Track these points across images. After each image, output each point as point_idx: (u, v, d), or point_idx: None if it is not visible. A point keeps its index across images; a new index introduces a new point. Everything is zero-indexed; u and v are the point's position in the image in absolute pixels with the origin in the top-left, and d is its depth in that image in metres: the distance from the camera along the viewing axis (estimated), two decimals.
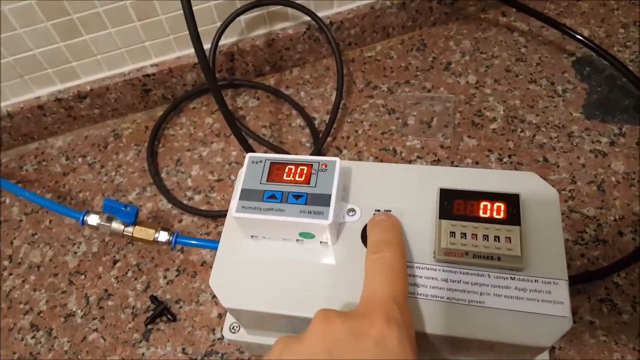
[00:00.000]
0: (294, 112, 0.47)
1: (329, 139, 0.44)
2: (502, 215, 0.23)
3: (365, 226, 0.24)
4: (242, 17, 0.45)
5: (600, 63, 0.44)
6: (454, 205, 0.24)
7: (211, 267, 0.38)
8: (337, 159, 0.25)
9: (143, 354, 0.35)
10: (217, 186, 0.43)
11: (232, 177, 0.43)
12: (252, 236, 0.26)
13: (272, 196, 0.24)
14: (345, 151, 0.43)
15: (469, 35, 0.48)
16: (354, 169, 0.27)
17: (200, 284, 0.37)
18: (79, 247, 0.41)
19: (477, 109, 0.43)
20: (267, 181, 0.25)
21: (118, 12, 0.41)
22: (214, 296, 0.37)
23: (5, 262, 0.41)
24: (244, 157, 0.26)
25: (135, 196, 0.43)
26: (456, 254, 0.23)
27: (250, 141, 0.41)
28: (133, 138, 0.47)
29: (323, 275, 0.24)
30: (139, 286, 0.38)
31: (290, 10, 0.46)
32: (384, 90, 0.46)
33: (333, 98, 0.46)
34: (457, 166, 0.40)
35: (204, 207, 0.41)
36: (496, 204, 0.23)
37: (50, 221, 0.43)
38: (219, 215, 0.40)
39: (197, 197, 0.42)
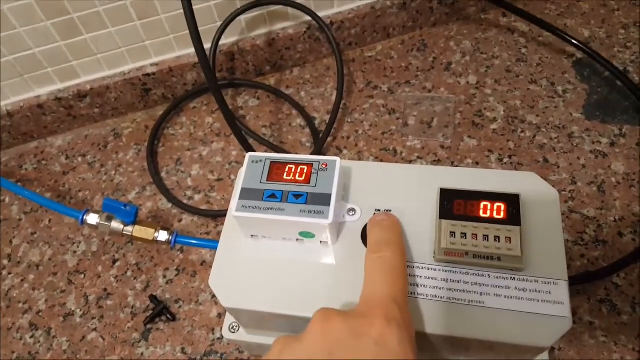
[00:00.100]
0: (295, 111, 0.47)
1: (329, 139, 0.44)
2: (502, 215, 0.23)
3: (366, 226, 0.24)
4: (242, 17, 0.45)
5: (599, 64, 0.44)
6: (454, 205, 0.24)
7: (211, 267, 0.38)
8: (337, 158, 0.25)
9: (142, 354, 0.35)
10: (217, 186, 0.43)
11: (232, 176, 0.43)
12: (252, 236, 0.26)
13: (272, 195, 0.24)
14: (345, 151, 0.43)
15: (470, 36, 0.48)
16: (354, 168, 0.27)
17: (200, 283, 0.37)
18: (78, 247, 0.41)
19: (478, 110, 0.43)
20: (267, 180, 0.25)
21: (118, 11, 0.41)
22: (214, 296, 0.36)
23: (5, 261, 0.41)
24: (244, 156, 0.26)
25: (135, 195, 0.43)
26: (456, 254, 0.22)
27: (251, 141, 0.41)
28: (133, 137, 0.47)
29: (323, 274, 0.24)
30: (138, 286, 0.38)
31: (290, 10, 0.46)
32: (384, 91, 0.46)
33: (333, 98, 0.46)
34: (457, 166, 0.40)
35: (204, 207, 0.41)
36: (496, 204, 0.23)
37: (49, 220, 0.43)
38: (219, 215, 0.40)
39: (197, 197, 0.42)
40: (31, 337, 0.37)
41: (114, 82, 0.46)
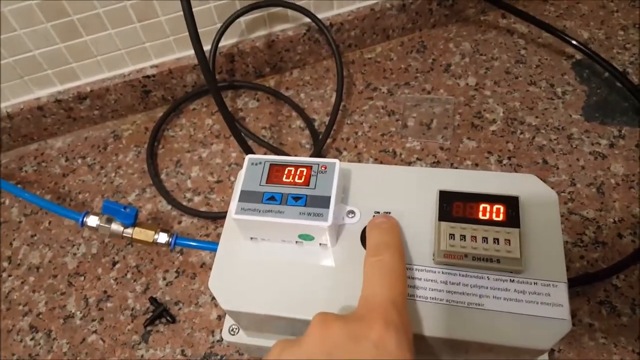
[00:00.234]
0: (294, 113, 0.47)
1: (328, 140, 0.44)
2: (501, 217, 0.23)
3: (365, 228, 0.24)
4: (242, 19, 0.45)
5: (599, 65, 0.44)
6: (454, 207, 0.24)
7: (211, 269, 0.38)
8: (336, 160, 0.25)
9: (142, 356, 0.35)
10: (217, 187, 0.43)
11: (232, 178, 0.43)
12: (251, 238, 0.26)
13: (272, 198, 0.24)
14: (345, 153, 0.43)
15: (469, 37, 0.49)
16: (354, 170, 0.27)
17: (200, 285, 0.37)
18: (78, 249, 0.41)
19: (477, 111, 0.43)
20: (266, 183, 0.25)
21: (118, 13, 0.41)
22: (213, 298, 0.36)
23: (5, 264, 0.41)
24: (244, 158, 0.26)
25: (134, 197, 0.43)
26: (455, 256, 0.22)
27: (250, 142, 0.41)
28: (133, 139, 0.47)
29: (322, 277, 0.24)
30: (138, 288, 0.38)
31: (290, 11, 0.46)
32: (383, 92, 0.46)
33: (333, 99, 0.46)
34: (456, 168, 0.40)
35: (203, 209, 0.41)
36: (495, 206, 0.23)
37: (49, 222, 0.43)
38: (219, 217, 0.40)
39: (196, 199, 0.42)
40: (31, 339, 0.37)
41: (114, 84, 0.46)
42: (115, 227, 0.35)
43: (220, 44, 0.45)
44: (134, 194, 0.43)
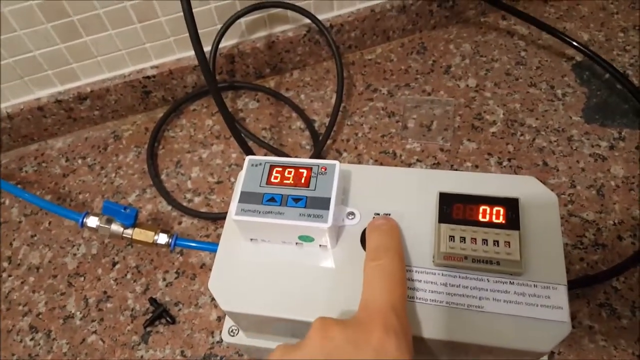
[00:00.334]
0: (294, 114, 0.47)
1: (329, 141, 0.44)
2: (501, 219, 0.23)
3: (365, 230, 0.24)
4: (242, 20, 0.45)
5: (600, 67, 0.44)
6: (454, 209, 0.24)
7: (210, 270, 0.38)
8: (336, 162, 0.25)
9: (142, 357, 0.35)
10: (217, 188, 0.43)
11: (232, 179, 0.43)
12: (251, 239, 0.26)
13: (272, 199, 0.24)
14: (345, 154, 0.43)
15: (469, 39, 0.49)
16: (354, 172, 0.27)
17: (200, 286, 0.37)
18: (78, 249, 0.41)
19: (477, 113, 0.43)
20: (266, 184, 0.25)
21: (118, 13, 0.41)
22: (213, 299, 0.36)
23: (5, 264, 0.41)
24: (244, 159, 0.26)
25: (135, 198, 0.43)
26: (455, 258, 0.22)
27: (250, 143, 0.41)
28: (133, 140, 0.47)
29: (322, 278, 0.24)
30: (138, 288, 0.38)
31: (290, 12, 0.46)
32: (384, 93, 0.46)
33: (333, 101, 0.46)
34: (456, 169, 0.40)
35: (203, 209, 0.41)
36: (495, 208, 0.23)
37: (49, 223, 0.43)
38: (219, 218, 0.40)
39: (196, 199, 0.42)
40: (31, 339, 0.37)
41: (114, 85, 0.46)
42: (115, 227, 0.35)
43: (221, 45, 0.45)
44: (134, 195, 0.43)
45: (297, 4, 0.44)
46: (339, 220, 0.25)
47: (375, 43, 0.50)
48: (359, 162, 0.42)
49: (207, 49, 0.36)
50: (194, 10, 0.33)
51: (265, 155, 0.43)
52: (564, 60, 0.45)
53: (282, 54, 0.48)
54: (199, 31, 0.34)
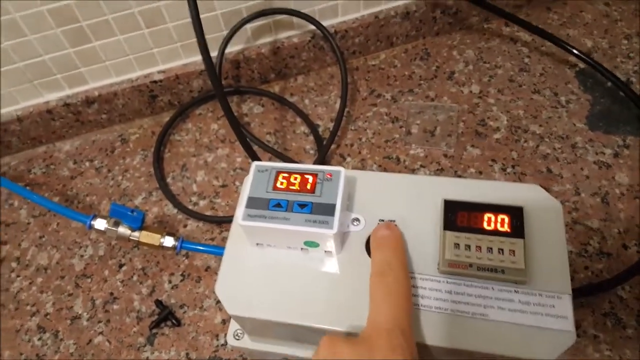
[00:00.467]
0: (298, 119, 0.47)
1: (332, 146, 0.44)
2: (506, 227, 0.23)
3: (370, 237, 0.24)
4: (248, 26, 0.46)
5: (602, 75, 0.44)
6: (458, 216, 0.24)
7: (215, 273, 0.38)
8: (341, 168, 0.25)
9: (147, 358, 0.35)
10: (222, 192, 0.43)
11: (237, 183, 0.43)
12: (257, 244, 0.26)
13: (278, 205, 0.25)
14: (348, 159, 0.43)
15: (473, 45, 0.49)
16: (359, 178, 0.27)
17: (205, 289, 0.38)
18: (85, 251, 0.41)
19: (481, 119, 0.43)
20: (272, 190, 0.25)
21: (126, 19, 0.42)
22: (218, 302, 0.37)
23: (14, 264, 0.42)
24: (249, 163, 0.27)
25: (141, 200, 0.44)
26: (460, 266, 0.23)
27: (255, 147, 0.42)
28: (140, 143, 0.48)
29: (327, 284, 0.24)
30: (144, 290, 0.38)
31: (295, 19, 0.46)
32: (387, 99, 0.46)
33: (337, 106, 0.46)
34: (460, 175, 0.40)
35: (208, 213, 0.42)
36: (500, 216, 0.23)
37: (57, 224, 0.44)
38: (224, 221, 0.41)
39: (202, 203, 0.43)
40: (39, 339, 0.37)
41: (122, 89, 0.47)
42: (123, 230, 0.35)
43: (227, 50, 0.46)
44: (141, 197, 0.44)
45: (302, 10, 0.45)
46: (344, 227, 0.25)
47: (379, 49, 0.50)
48: (363, 167, 0.42)
49: (213, 54, 0.37)
50: (201, 16, 0.34)
51: (270, 159, 0.44)
52: (568, 67, 0.46)
53: (286, 59, 0.48)
54: (206, 37, 0.34)
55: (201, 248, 0.36)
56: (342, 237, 0.25)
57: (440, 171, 0.41)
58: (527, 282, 0.22)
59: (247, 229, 0.25)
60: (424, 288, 0.23)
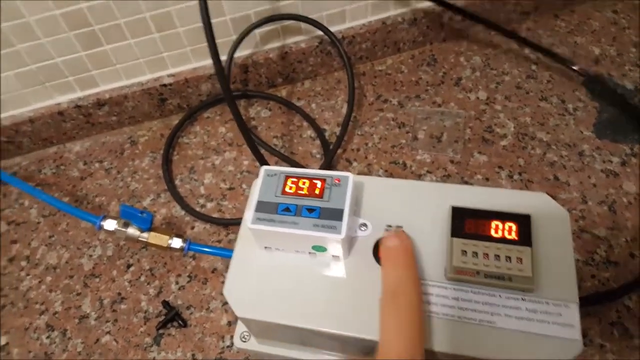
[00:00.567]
0: (305, 123, 0.48)
1: (339, 150, 0.44)
2: (513, 235, 0.23)
3: (378, 242, 0.25)
4: (256, 31, 0.46)
5: (612, 82, 0.44)
6: (466, 223, 0.24)
7: (222, 275, 0.38)
8: (349, 174, 0.25)
9: (154, 358, 0.35)
10: (229, 194, 0.44)
11: (244, 185, 0.44)
12: (265, 247, 0.26)
13: (287, 209, 0.25)
14: (355, 163, 0.44)
15: (479, 52, 0.49)
16: (366, 183, 0.28)
17: (211, 291, 0.38)
18: (94, 251, 0.42)
19: (488, 125, 0.43)
20: (281, 194, 0.25)
21: (138, 24, 0.43)
22: (224, 303, 0.37)
23: (23, 263, 0.42)
24: (256, 166, 0.27)
25: (149, 202, 0.44)
26: (467, 273, 0.23)
27: (262, 151, 0.42)
28: (149, 145, 0.49)
29: (334, 288, 0.24)
30: (151, 291, 0.39)
31: (303, 24, 0.47)
32: (394, 104, 0.47)
33: (344, 110, 0.47)
34: (467, 182, 0.40)
35: (215, 215, 0.42)
36: (508, 224, 0.24)
37: (67, 224, 0.44)
38: (230, 224, 0.41)
39: (209, 205, 0.43)
40: (47, 337, 0.38)
41: (132, 92, 0.47)
42: (132, 231, 0.36)
43: (235, 55, 0.46)
44: (149, 199, 0.44)
45: (310, 16, 0.45)
46: (352, 232, 0.25)
47: (386, 54, 0.51)
48: (369, 172, 0.42)
49: (222, 58, 0.37)
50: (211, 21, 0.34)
51: (276, 163, 0.44)
52: (575, 75, 0.46)
53: (294, 64, 0.49)
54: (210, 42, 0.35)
55: (208, 250, 0.36)
56: (350, 242, 0.25)
57: (446, 177, 0.41)
58: (534, 290, 0.22)
59: (256, 232, 0.25)
60: (432, 294, 0.23)
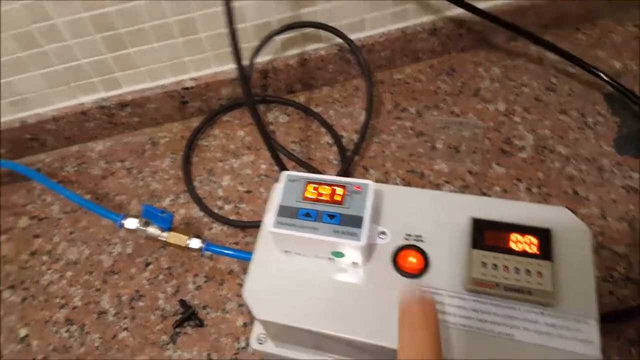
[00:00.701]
0: (323, 129, 0.48)
1: (356, 157, 0.45)
2: (533, 249, 0.23)
3: (397, 251, 0.25)
4: (277, 37, 0.47)
5: (634, 96, 0.44)
6: (486, 235, 0.24)
7: (238, 276, 0.39)
8: (370, 182, 0.26)
9: (170, 357, 0.36)
10: (247, 197, 0.44)
11: (261, 189, 0.45)
12: (285, 251, 0.27)
13: (307, 214, 0.25)
14: (372, 171, 0.44)
15: (499, 63, 0.49)
16: (386, 191, 0.28)
17: (227, 292, 0.39)
18: (114, 248, 0.43)
19: (506, 137, 0.43)
20: (302, 199, 0.26)
21: (162, 28, 0.44)
22: (240, 305, 0.38)
23: (45, 257, 0.44)
24: (273, 170, 0.27)
25: (168, 202, 0.45)
26: (487, 285, 0.23)
27: (279, 155, 0.43)
28: (169, 147, 0.50)
29: (352, 295, 0.25)
30: (169, 289, 0.39)
31: (323, 32, 0.47)
32: (412, 113, 0.47)
33: (361, 118, 0.47)
34: (485, 193, 0.40)
35: (233, 217, 0.43)
36: (528, 237, 0.24)
37: (88, 221, 0.45)
38: (248, 226, 0.42)
39: (227, 207, 0.44)
40: (66, 331, 0.39)
41: (154, 94, 0.49)
42: (152, 230, 0.37)
43: (256, 61, 0.47)
44: (169, 199, 0.45)
45: (330, 24, 0.46)
46: (371, 239, 0.26)
47: (405, 63, 0.51)
48: (386, 180, 0.43)
49: (243, 64, 0.38)
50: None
51: (294, 168, 0.45)
52: (596, 88, 0.45)
53: (313, 71, 0.50)
54: (233, 48, 0.35)
55: (226, 252, 0.37)
56: (369, 250, 0.26)
57: (464, 188, 0.41)
58: (553, 304, 0.22)
59: (276, 236, 0.26)
60: (450, 305, 0.23)
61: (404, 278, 0.25)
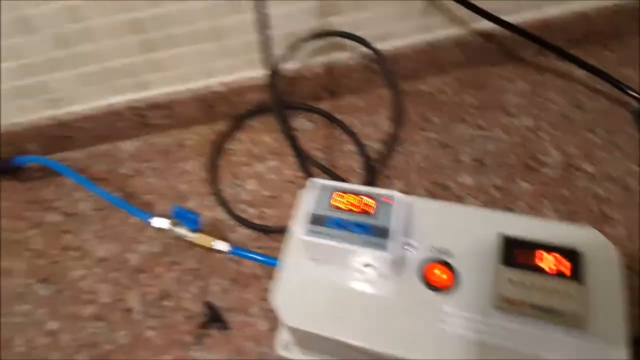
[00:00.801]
0: (347, 137, 0.49)
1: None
2: (563, 269, 0.23)
3: (426, 264, 0.25)
4: (304, 45, 0.48)
5: None
6: (515, 254, 0.24)
7: (262, 281, 0.40)
8: (399, 193, 0.26)
9: (194, 357, 0.37)
10: (271, 202, 0.45)
11: (285, 195, 0.45)
12: (314, 259, 0.27)
13: (336, 223, 0.26)
14: (395, 181, 0.44)
15: (526, 78, 0.49)
16: (414, 204, 0.28)
17: (251, 295, 0.39)
18: (142, 247, 0.44)
19: (532, 153, 0.43)
20: (332, 208, 0.26)
21: (194, 34, 0.45)
22: (265, 309, 0.38)
23: (74, 253, 0.45)
24: (297, 177, 0.28)
25: (194, 204, 0.46)
26: (516, 304, 0.23)
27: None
28: (195, 149, 0.51)
29: (380, 306, 0.25)
30: (194, 290, 0.40)
31: (349, 41, 0.48)
32: (437, 125, 0.47)
33: (385, 127, 0.47)
34: (509, 208, 0.40)
35: (257, 221, 0.44)
36: (558, 257, 0.24)
37: (116, 219, 0.47)
38: (272, 231, 0.43)
39: (251, 211, 0.45)
40: (93, 327, 0.40)
41: (183, 97, 0.50)
42: (181, 230, 0.38)
43: (283, 67, 0.48)
44: (194, 201, 0.46)
45: (357, 33, 0.46)
46: (399, 251, 0.26)
47: (431, 74, 0.51)
48: (409, 191, 0.43)
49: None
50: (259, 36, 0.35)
51: (317, 175, 0.45)
52: (623, 107, 0.45)
53: (338, 79, 0.50)
54: (263, 55, 0.36)
55: (253, 256, 0.38)
56: (398, 262, 0.26)
57: (489, 202, 0.41)
58: (582, 327, 0.22)
59: (306, 244, 0.26)
60: (477, 322, 0.23)
61: (432, 292, 0.25)
